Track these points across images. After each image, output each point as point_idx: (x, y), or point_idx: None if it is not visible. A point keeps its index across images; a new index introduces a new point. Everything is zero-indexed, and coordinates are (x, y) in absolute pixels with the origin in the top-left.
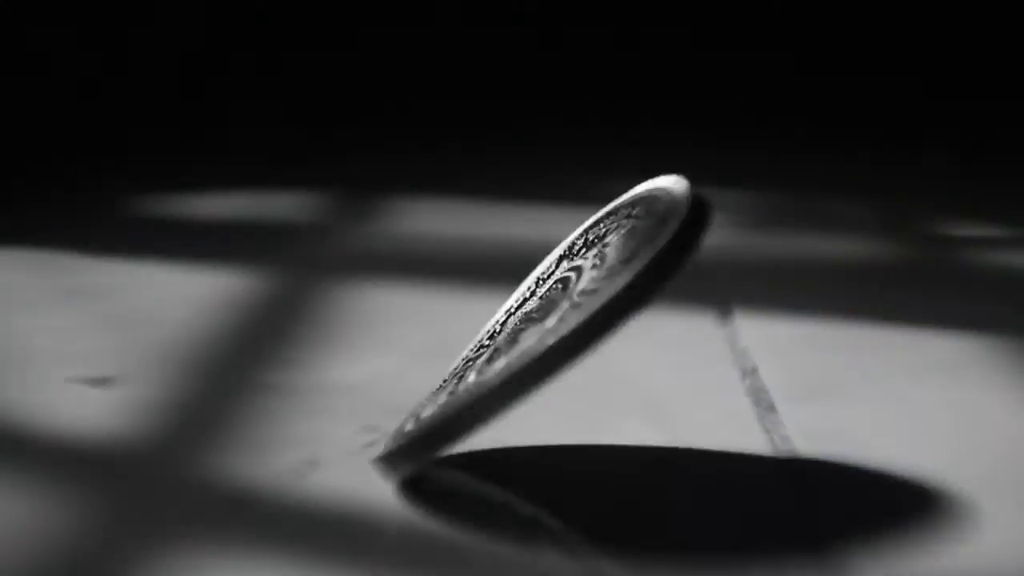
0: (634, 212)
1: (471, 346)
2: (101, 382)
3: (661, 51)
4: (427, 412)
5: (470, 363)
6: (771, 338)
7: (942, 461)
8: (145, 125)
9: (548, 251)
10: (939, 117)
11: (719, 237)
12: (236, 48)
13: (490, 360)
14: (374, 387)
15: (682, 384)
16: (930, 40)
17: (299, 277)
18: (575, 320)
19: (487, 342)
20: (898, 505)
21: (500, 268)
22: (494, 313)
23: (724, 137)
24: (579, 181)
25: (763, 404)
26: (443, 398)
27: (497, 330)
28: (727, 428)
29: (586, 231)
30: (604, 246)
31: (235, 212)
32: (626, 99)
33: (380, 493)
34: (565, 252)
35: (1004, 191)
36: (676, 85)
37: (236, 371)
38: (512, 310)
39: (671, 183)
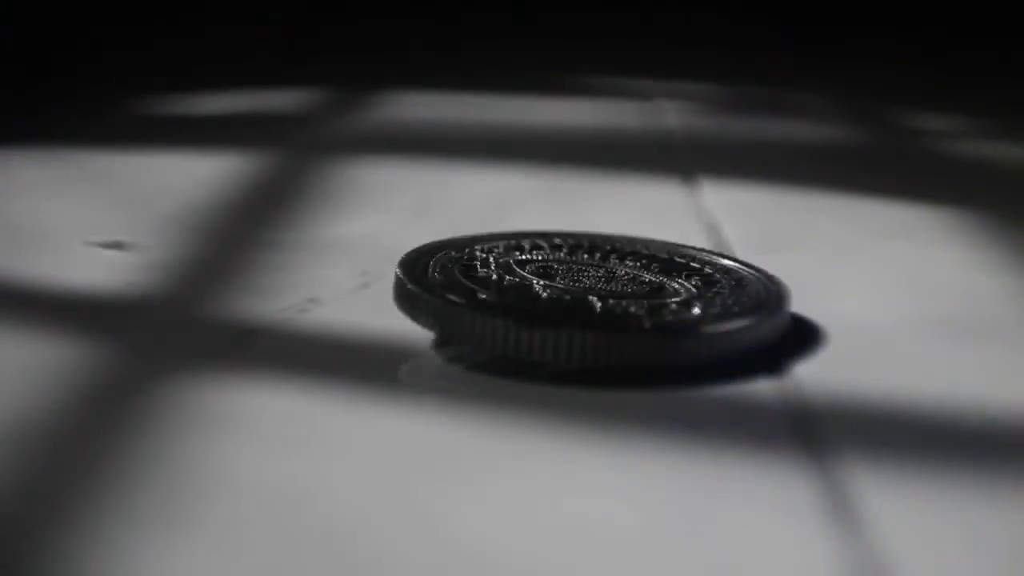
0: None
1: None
2: (115, 245)
3: None
4: None
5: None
6: (732, 202)
7: (897, 306)
8: (143, 31)
9: (518, 133)
10: (907, 13)
11: (687, 120)
12: None
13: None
14: (367, 241)
15: (655, 236)
16: None
17: (296, 158)
18: None
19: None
20: (855, 342)
21: (477, 147)
22: (472, 185)
23: (698, 32)
24: (553, 73)
25: (727, 254)
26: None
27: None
28: None
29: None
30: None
31: (233, 108)
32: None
33: (374, 322)
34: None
35: (969, 84)
36: None
37: (240, 232)
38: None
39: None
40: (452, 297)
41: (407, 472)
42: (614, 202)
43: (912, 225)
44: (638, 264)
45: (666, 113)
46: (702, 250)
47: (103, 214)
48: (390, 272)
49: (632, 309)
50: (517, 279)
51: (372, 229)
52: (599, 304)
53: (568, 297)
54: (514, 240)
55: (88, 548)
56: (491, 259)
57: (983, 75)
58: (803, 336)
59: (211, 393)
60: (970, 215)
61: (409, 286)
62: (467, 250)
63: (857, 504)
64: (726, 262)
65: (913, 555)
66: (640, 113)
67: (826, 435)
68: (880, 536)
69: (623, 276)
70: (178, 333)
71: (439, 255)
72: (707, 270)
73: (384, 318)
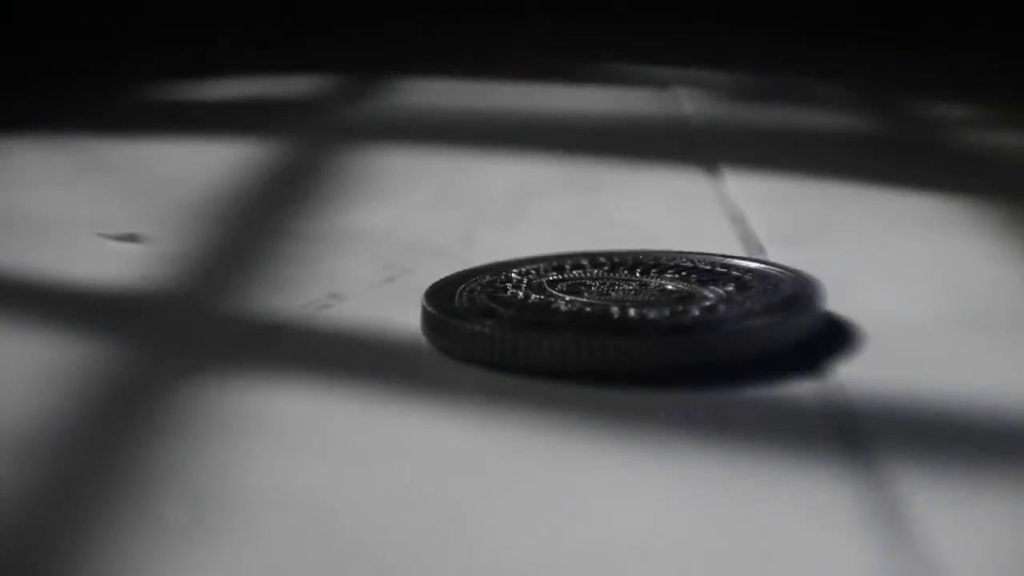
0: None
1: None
2: (128, 238)
3: None
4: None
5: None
6: (756, 192)
7: (932, 301)
8: (151, 16)
9: (534, 121)
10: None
11: (703, 107)
12: None
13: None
14: (388, 231)
15: (680, 227)
16: None
17: (312, 145)
18: None
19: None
20: (892, 339)
21: (494, 135)
22: (491, 174)
23: (711, 20)
24: (567, 61)
25: (752, 246)
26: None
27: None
28: None
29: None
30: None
31: (244, 94)
32: None
33: (399, 320)
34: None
35: (986, 73)
36: None
37: (257, 223)
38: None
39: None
40: (473, 319)
41: (436, 476)
42: (637, 192)
43: (937, 216)
44: (677, 276)
45: (682, 101)
46: (748, 258)
47: (113, 205)
48: (414, 265)
49: (652, 316)
50: (543, 297)
51: (392, 220)
52: (617, 312)
53: (588, 309)
54: (556, 261)
55: (105, 558)
56: (524, 280)
57: (1008, 64)
58: (839, 334)
59: (232, 395)
60: (996, 207)
61: (430, 310)
62: (503, 273)
63: (902, 506)
64: (766, 268)
65: (960, 558)
66: (656, 101)
67: (867, 435)
68: (926, 539)
69: (654, 287)
70: (195, 329)
71: (470, 281)
72: (746, 276)
73: (411, 315)
